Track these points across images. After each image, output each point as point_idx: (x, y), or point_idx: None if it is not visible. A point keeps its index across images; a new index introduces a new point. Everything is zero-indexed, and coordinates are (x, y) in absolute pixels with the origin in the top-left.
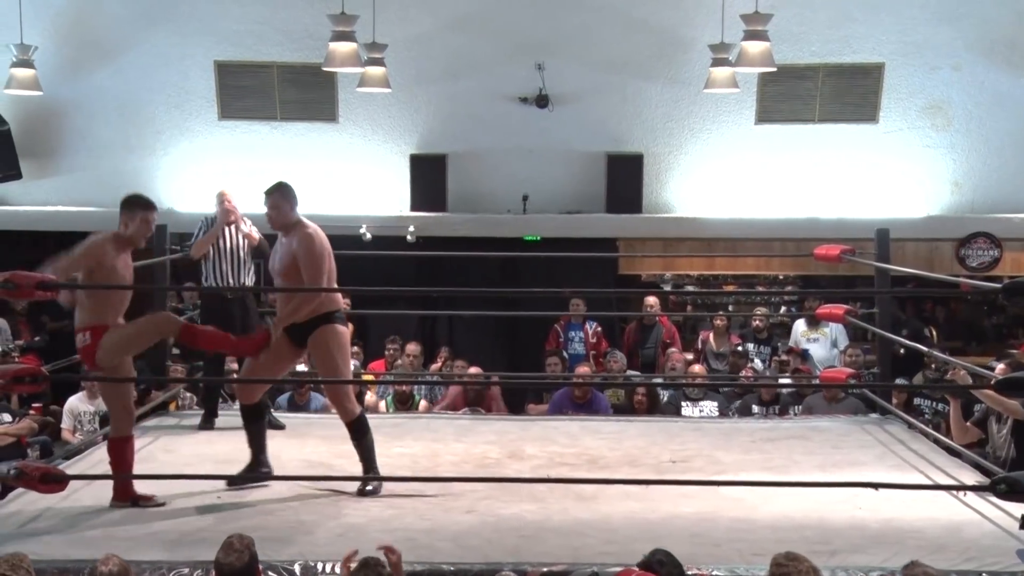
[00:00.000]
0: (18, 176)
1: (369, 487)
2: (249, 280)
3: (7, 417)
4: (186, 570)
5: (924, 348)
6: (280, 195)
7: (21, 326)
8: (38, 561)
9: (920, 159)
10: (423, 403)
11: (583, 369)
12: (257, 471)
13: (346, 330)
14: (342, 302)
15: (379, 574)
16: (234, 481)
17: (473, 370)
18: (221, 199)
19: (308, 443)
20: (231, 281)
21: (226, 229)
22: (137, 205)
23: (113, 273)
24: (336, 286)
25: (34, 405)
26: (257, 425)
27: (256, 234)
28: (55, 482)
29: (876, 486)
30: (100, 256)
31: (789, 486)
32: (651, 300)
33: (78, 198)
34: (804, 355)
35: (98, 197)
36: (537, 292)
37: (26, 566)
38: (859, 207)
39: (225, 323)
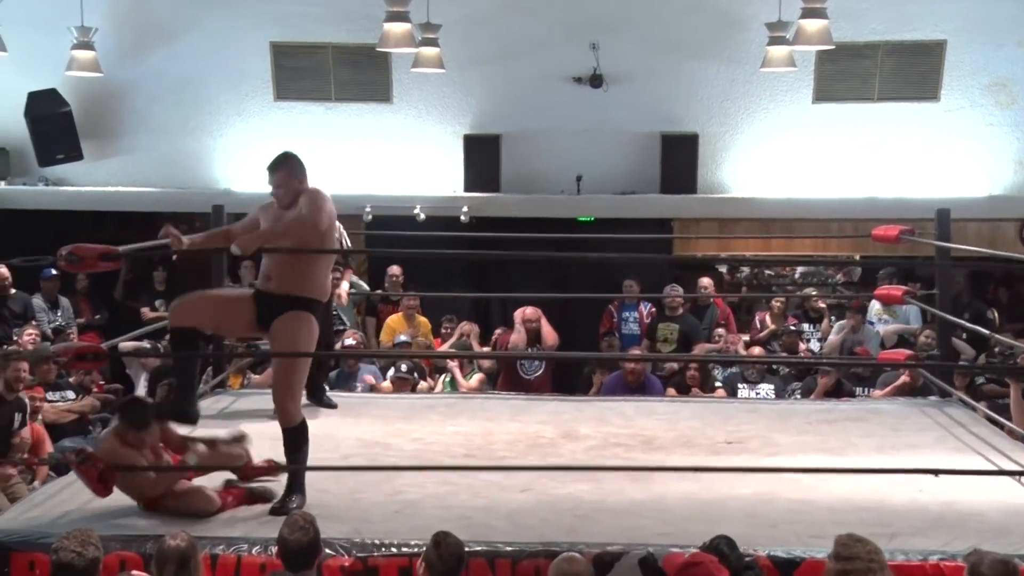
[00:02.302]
0: (79, 157)
1: (293, 504)
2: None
3: (70, 394)
4: (245, 546)
5: (986, 331)
6: (286, 172)
7: (82, 304)
8: (105, 537)
9: (983, 138)
10: (477, 376)
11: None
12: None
13: (317, 327)
14: (327, 294)
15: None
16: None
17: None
18: None
19: (362, 422)
20: None
21: None
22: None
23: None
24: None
25: (96, 383)
26: (188, 354)
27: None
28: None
29: (936, 472)
30: None
31: (846, 472)
32: (705, 281)
33: (137, 179)
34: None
35: (156, 178)
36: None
37: (94, 541)
38: (919, 187)
39: None
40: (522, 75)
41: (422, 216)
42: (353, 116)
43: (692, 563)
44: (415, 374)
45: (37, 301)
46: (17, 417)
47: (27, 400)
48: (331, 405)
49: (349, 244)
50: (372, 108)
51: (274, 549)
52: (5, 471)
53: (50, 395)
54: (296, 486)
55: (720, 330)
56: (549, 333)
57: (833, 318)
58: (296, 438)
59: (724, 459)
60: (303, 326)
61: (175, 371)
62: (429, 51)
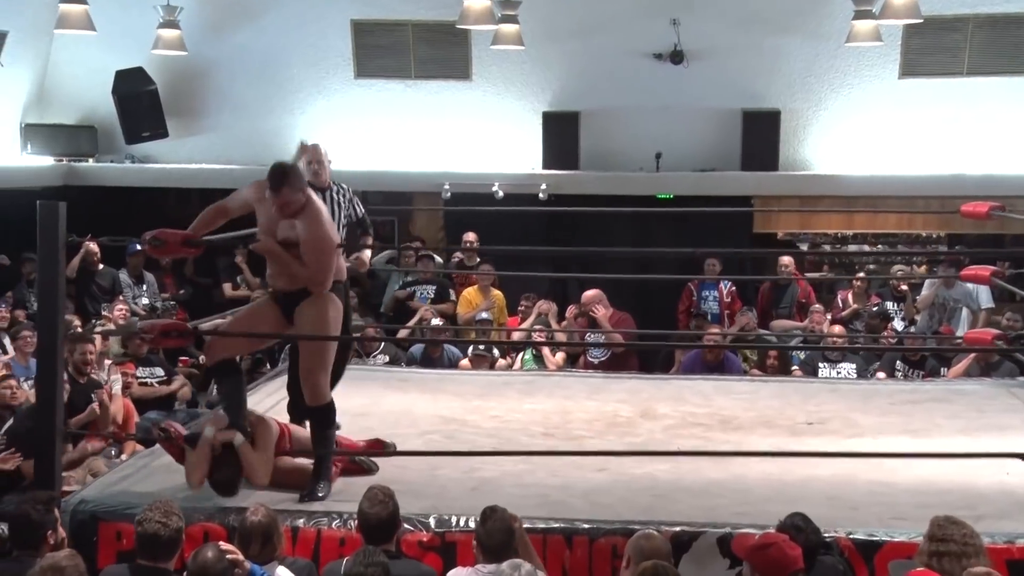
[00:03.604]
0: (165, 135)
1: (321, 492)
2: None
3: (159, 371)
4: (325, 520)
5: None
6: (289, 188)
7: (166, 280)
8: (188, 508)
9: None
10: (561, 353)
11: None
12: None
13: (341, 305)
14: (344, 273)
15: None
16: (190, 440)
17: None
18: (310, 155)
19: (441, 399)
20: None
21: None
22: None
23: None
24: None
25: (180, 358)
26: (232, 380)
27: (366, 259)
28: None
29: None
30: None
31: (931, 457)
32: (786, 260)
33: (220, 156)
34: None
35: (239, 155)
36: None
37: (177, 512)
38: (1009, 163)
39: None
40: (602, 52)
41: (500, 194)
42: (432, 93)
43: (765, 544)
44: (494, 351)
45: (123, 276)
46: (93, 398)
47: (106, 377)
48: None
49: (362, 211)
50: (451, 85)
51: (354, 523)
52: (89, 446)
53: (140, 371)
54: (324, 472)
55: (817, 306)
56: (605, 324)
57: (916, 299)
58: (325, 417)
59: (804, 440)
60: (328, 306)
61: (223, 398)
62: (509, 28)
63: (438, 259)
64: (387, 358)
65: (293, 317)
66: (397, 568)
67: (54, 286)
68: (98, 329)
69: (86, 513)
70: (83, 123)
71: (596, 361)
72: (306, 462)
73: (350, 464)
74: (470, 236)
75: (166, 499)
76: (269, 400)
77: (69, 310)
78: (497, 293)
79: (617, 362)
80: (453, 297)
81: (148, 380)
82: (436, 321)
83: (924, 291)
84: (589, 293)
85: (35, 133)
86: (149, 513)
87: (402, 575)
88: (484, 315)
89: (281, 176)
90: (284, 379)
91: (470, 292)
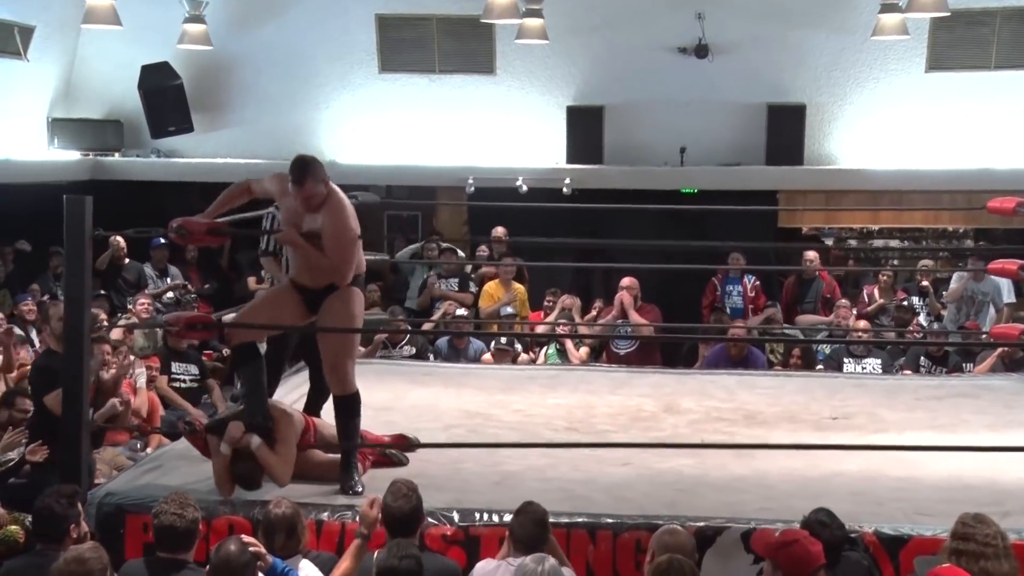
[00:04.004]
0: (190, 129)
1: (359, 487)
2: None
3: (194, 368)
4: (349, 513)
5: None
6: (312, 181)
7: (192, 274)
8: (205, 502)
9: None
10: (584, 348)
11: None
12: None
13: (363, 296)
14: (364, 265)
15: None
16: (212, 428)
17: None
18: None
19: (465, 393)
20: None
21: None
22: None
23: None
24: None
25: (204, 352)
26: (252, 367)
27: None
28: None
29: None
30: None
31: (958, 451)
32: (811, 254)
33: (245, 151)
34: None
35: (264, 149)
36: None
37: (192, 503)
38: None
39: None
40: (626, 46)
41: (524, 188)
42: (457, 88)
43: (788, 540)
44: (516, 345)
45: (148, 270)
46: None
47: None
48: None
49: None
50: (476, 80)
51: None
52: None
53: (175, 367)
54: (353, 464)
55: (844, 300)
56: (636, 317)
57: (944, 293)
58: (351, 406)
59: (829, 435)
60: (353, 299)
61: (244, 382)
62: (533, 22)
63: (461, 253)
64: (413, 350)
65: (318, 311)
66: None
67: (81, 280)
68: (122, 322)
69: (112, 505)
70: (109, 118)
71: (622, 352)
72: (336, 456)
73: (380, 457)
74: (499, 231)
75: (181, 492)
76: (294, 394)
77: (104, 307)
78: (518, 287)
79: (643, 352)
80: (474, 288)
81: (182, 377)
82: (460, 311)
83: (953, 284)
84: (629, 278)
85: (62, 128)
86: (164, 506)
87: (427, 569)
88: (508, 310)
89: (303, 169)
90: (307, 373)
91: (492, 286)
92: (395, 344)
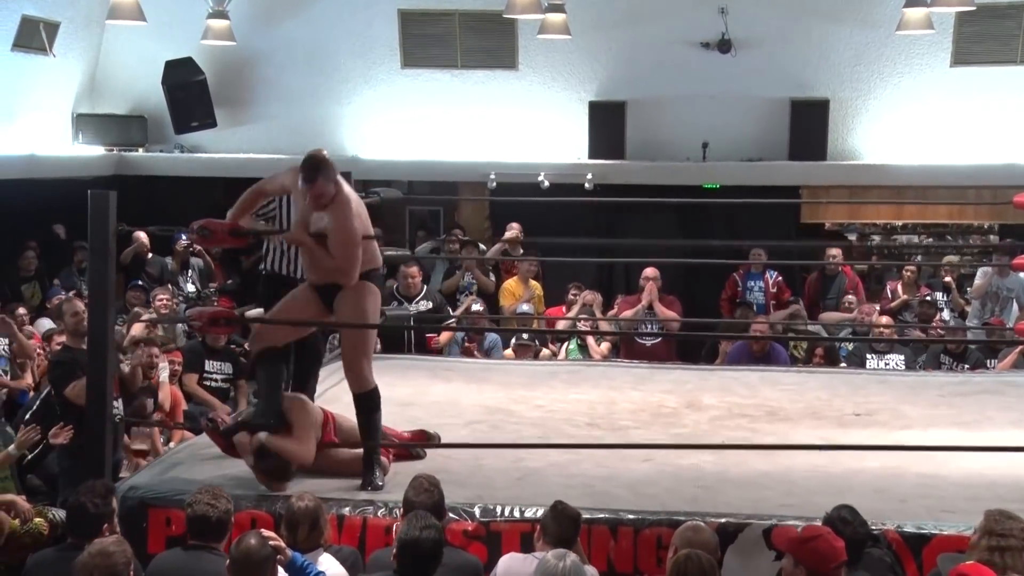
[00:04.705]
0: (213, 124)
1: (380, 482)
2: None
3: (228, 367)
4: (370, 508)
5: None
6: (324, 180)
7: (215, 269)
8: (236, 496)
9: None
10: (605, 344)
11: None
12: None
13: (379, 292)
14: (379, 259)
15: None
16: (228, 432)
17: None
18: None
19: (486, 388)
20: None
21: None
22: None
23: None
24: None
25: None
26: (272, 369)
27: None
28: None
29: None
30: None
31: (982, 451)
32: (834, 251)
33: (267, 146)
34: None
35: (287, 145)
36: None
37: (225, 495)
38: None
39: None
40: (649, 41)
41: (546, 183)
42: (479, 83)
43: (810, 536)
44: (536, 341)
45: (170, 265)
46: (149, 404)
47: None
48: None
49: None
50: (498, 75)
51: (399, 512)
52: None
53: (209, 365)
54: (376, 460)
55: (850, 296)
56: (662, 309)
57: (968, 289)
58: (369, 403)
59: (852, 432)
60: (367, 293)
61: (260, 384)
62: (555, 17)
63: (482, 246)
64: (430, 304)
65: (333, 306)
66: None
67: (105, 274)
68: (144, 317)
69: (135, 499)
70: (133, 113)
71: (648, 344)
72: (357, 451)
73: (399, 450)
74: (514, 227)
75: (213, 485)
76: (320, 387)
77: (141, 301)
78: (535, 284)
79: (669, 345)
80: (493, 278)
81: (215, 376)
82: (476, 307)
83: (978, 280)
84: (652, 268)
85: (86, 123)
86: (199, 496)
87: (447, 564)
88: (524, 307)
89: (315, 168)
90: (333, 366)
91: (511, 283)
92: (410, 299)
